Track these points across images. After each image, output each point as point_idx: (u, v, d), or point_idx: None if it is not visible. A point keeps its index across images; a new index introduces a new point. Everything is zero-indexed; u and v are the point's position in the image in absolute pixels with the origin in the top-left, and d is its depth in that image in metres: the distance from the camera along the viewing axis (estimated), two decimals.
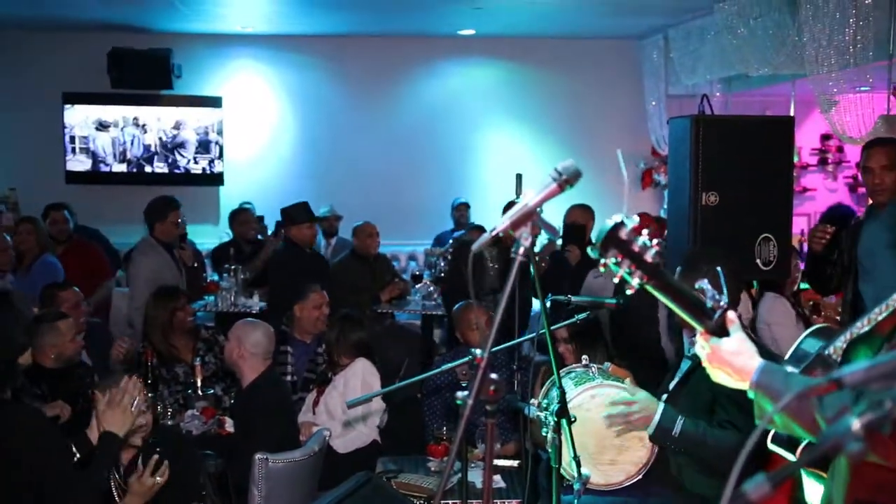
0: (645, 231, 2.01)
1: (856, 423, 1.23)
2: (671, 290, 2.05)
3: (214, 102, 10.62)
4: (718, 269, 2.21)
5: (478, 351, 2.24)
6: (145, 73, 10.16)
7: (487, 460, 2.17)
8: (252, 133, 10.86)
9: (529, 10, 9.08)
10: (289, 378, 5.51)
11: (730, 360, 2.11)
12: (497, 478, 4.50)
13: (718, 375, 2.19)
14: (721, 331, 2.13)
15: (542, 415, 3.17)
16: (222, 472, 4.49)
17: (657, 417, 3.45)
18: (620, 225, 1.99)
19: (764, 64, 7.53)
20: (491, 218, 9.07)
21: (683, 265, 3.91)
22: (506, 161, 10.46)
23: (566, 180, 2.22)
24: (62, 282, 6.10)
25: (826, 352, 2.24)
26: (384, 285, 7.82)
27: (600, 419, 3.50)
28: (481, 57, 10.91)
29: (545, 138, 10.84)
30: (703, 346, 2.17)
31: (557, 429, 3.00)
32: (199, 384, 5.13)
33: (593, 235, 2.02)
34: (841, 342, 2.20)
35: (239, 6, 9.18)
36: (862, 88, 6.75)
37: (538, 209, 2.17)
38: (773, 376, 2.05)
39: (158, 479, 3.38)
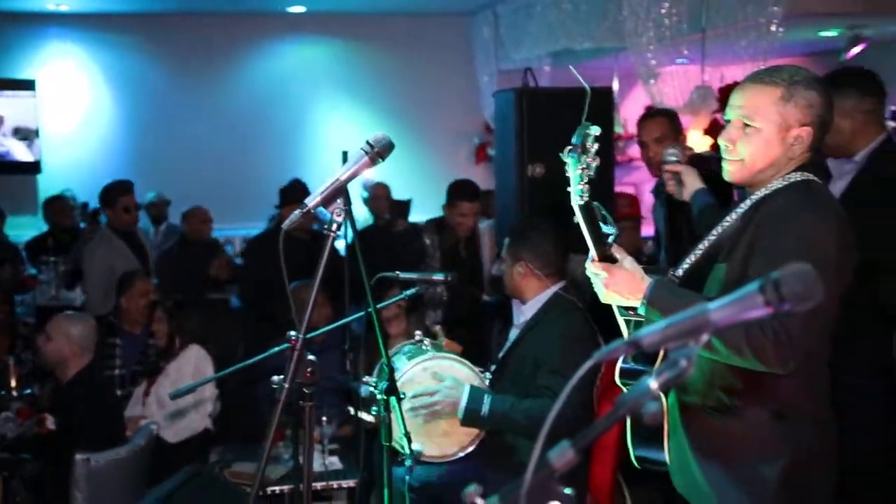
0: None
1: (653, 384, 1.23)
2: (591, 211, 2.32)
3: (27, 86, 9.97)
4: (596, 203, 2.36)
5: (293, 333, 2.18)
6: None
7: (307, 443, 2.12)
8: (71, 117, 10.27)
9: None
10: (117, 371, 5.26)
11: (627, 279, 2.38)
12: (334, 459, 4.45)
13: (612, 297, 2.44)
14: (609, 259, 2.41)
15: (372, 392, 3.12)
16: (39, 475, 4.25)
17: (464, 401, 3.44)
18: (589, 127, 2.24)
19: (587, 38, 7.71)
20: None
21: (512, 235, 3.94)
22: (341, 138, 10.32)
23: (378, 153, 2.18)
24: None
25: (671, 274, 2.53)
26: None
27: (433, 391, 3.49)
28: (312, 34, 10.72)
29: (380, 115, 10.76)
30: (597, 271, 2.42)
31: (387, 406, 2.96)
32: (13, 384, 4.83)
33: (576, 135, 2.25)
34: (687, 263, 2.51)
35: None
36: (678, 61, 7.00)
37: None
38: (664, 290, 2.36)
39: None
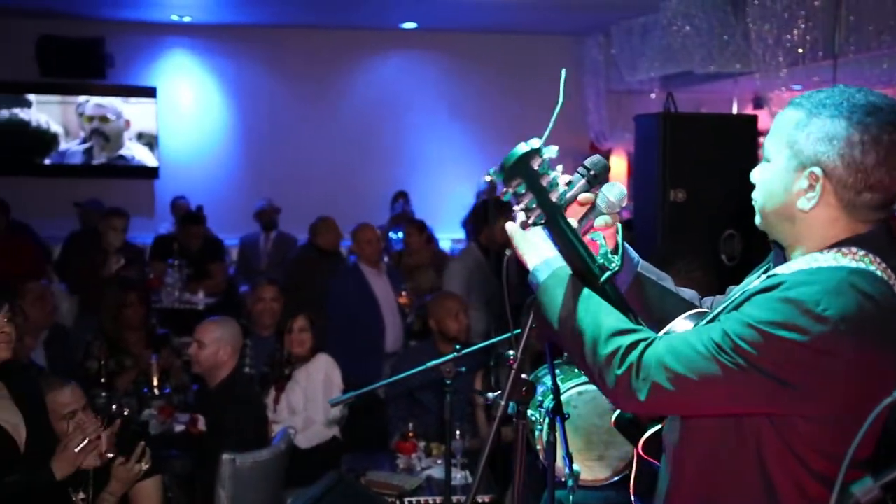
0: (559, 167, 1.87)
1: None
2: (566, 240, 1.89)
3: (149, 93, 10.33)
4: (619, 224, 2.11)
5: (510, 353, 2.20)
6: (77, 62, 9.86)
7: (519, 460, 2.14)
8: (188, 125, 10.60)
9: (472, 5, 9.06)
10: (247, 370, 5.41)
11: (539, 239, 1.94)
12: (466, 473, 4.47)
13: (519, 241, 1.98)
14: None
15: (532, 412, 3.13)
16: (190, 472, 4.37)
17: None
18: (535, 152, 1.80)
19: (709, 61, 7.64)
20: (429, 209, 9.05)
21: (657, 262, 3.93)
22: (444, 153, 10.48)
23: (594, 175, 2.17)
24: (23, 273, 5.88)
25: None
26: None
27: (588, 415, 3.48)
28: (422, 50, 10.87)
29: (483, 132, 10.83)
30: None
31: (552, 426, 2.97)
32: (155, 383, 4.98)
33: (505, 159, 1.79)
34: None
35: None
36: (795, 87, 6.87)
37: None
38: (572, 283, 1.88)
39: (144, 465, 3.44)
